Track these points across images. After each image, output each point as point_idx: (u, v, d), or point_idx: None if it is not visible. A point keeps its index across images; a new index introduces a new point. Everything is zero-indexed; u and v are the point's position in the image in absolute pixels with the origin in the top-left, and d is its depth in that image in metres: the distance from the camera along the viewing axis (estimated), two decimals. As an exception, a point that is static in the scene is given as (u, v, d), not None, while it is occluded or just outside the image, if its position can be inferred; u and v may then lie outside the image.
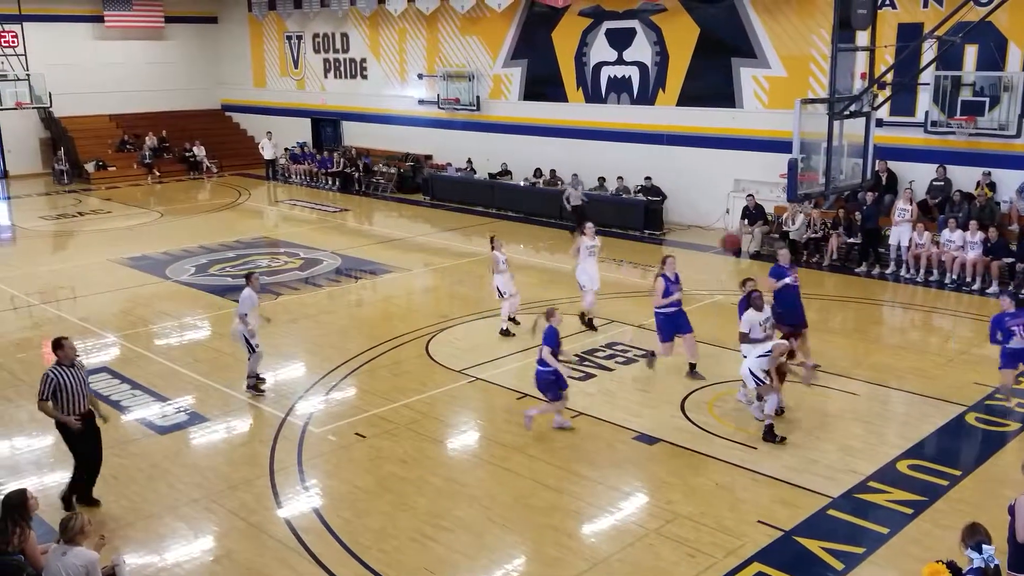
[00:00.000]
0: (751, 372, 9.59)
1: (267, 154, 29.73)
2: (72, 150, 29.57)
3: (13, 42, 28.20)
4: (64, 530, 6.13)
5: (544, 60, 24.04)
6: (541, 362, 9.62)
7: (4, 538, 6.24)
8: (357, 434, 9.87)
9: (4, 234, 23.35)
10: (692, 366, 11.33)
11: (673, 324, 11.25)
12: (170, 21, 32.46)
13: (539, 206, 22.76)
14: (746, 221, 18.88)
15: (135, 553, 7.59)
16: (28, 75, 26.95)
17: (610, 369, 11.79)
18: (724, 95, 20.63)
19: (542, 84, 24.28)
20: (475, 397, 11.05)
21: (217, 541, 7.85)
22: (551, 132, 24.07)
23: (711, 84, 20.83)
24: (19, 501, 6.42)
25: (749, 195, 19.14)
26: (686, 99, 21.41)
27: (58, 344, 8.31)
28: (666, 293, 11.09)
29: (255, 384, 11.15)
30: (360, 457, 9.39)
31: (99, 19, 30.85)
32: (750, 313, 9.75)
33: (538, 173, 24.01)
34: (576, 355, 12.20)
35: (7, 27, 27.88)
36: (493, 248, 13.16)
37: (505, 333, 13.11)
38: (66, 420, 8.18)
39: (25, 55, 27.52)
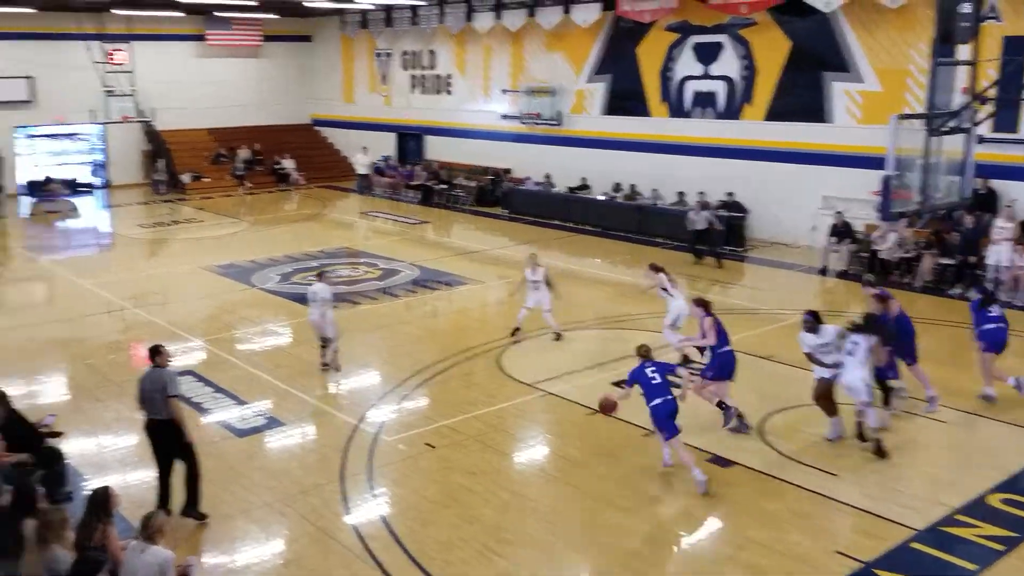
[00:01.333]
0: (862, 383, 9.30)
1: (361, 168, 30.29)
2: (170, 162, 30.77)
3: (123, 60, 29.63)
4: (143, 528, 6.26)
5: (628, 75, 23.88)
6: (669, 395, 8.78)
7: (87, 533, 6.43)
8: (427, 444, 9.88)
9: (104, 240, 24.50)
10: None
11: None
12: (267, 40, 33.55)
13: (617, 220, 22.55)
14: (834, 239, 18.29)
15: (208, 553, 7.75)
16: (134, 91, 28.29)
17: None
18: (815, 110, 20.09)
19: (625, 99, 24.11)
20: (545, 412, 10.94)
21: (287, 545, 7.95)
22: (632, 147, 23.86)
23: (801, 98, 20.31)
24: (103, 498, 6.61)
25: (837, 212, 18.54)
26: (774, 114, 20.93)
27: (158, 351, 8.41)
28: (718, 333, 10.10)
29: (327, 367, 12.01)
30: (429, 467, 9.40)
31: (201, 38, 32.11)
32: (801, 335, 9.72)
33: (617, 188, 23.82)
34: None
35: (118, 46, 29.31)
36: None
37: (514, 333, 13.48)
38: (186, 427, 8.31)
39: (133, 72, 28.90)
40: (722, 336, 10.14)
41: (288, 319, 15.12)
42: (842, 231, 18.27)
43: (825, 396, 9.67)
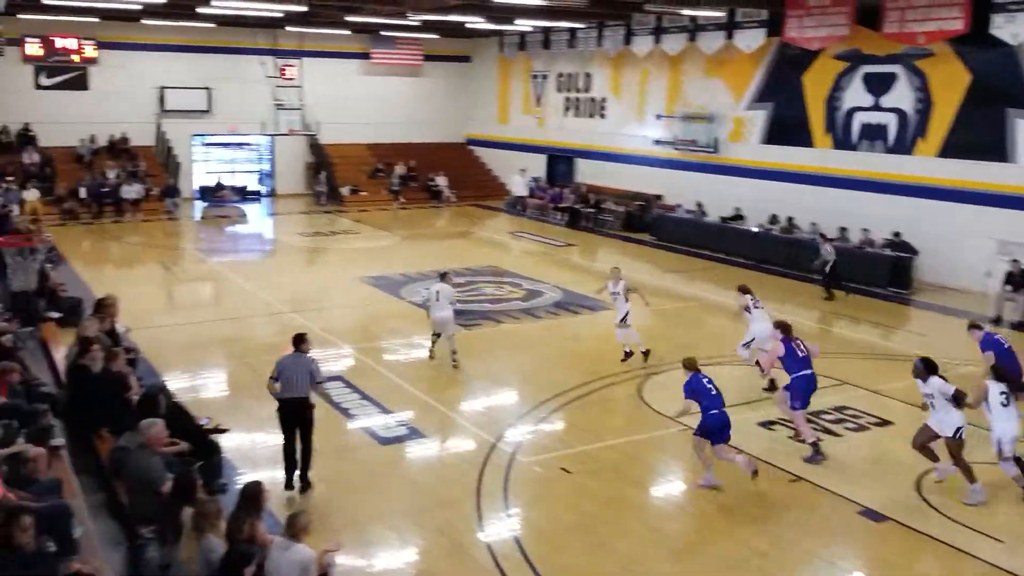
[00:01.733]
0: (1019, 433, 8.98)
1: (518, 190, 30.74)
2: (331, 175, 32.40)
3: (293, 75, 31.57)
4: (289, 526, 6.58)
5: (791, 103, 23.27)
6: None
7: (238, 526, 6.83)
8: (562, 469, 9.93)
9: (267, 246, 26.07)
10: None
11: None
12: (428, 59, 34.83)
13: (772, 254, 21.93)
14: (1010, 287, 17.08)
15: (345, 555, 8.03)
16: (302, 105, 30.01)
17: (838, 435, 11.05)
18: (995, 147, 18.90)
19: (787, 128, 23.50)
20: (684, 447, 10.72)
21: (421, 555, 8.19)
22: (792, 178, 23.20)
23: (980, 135, 19.17)
24: (255, 493, 7.03)
25: (1014, 260, 17.31)
26: (950, 150, 19.84)
27: (303, 339, 9.45)
28: (788, 357, 10.30)
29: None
30: (564, 492, 9.44)
31: (366, 56, 33.73)
32: None
33: (774, 220, 23.18)
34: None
35: (289, 61, 31.26)
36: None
37: (626, 355, 13.68)
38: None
39: (302, 87, 30.70)
40: (799, 360, 10.23)
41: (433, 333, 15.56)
42: (1019, 279, 17.04)
43: (924, 445, 9.42)
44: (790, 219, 22.75)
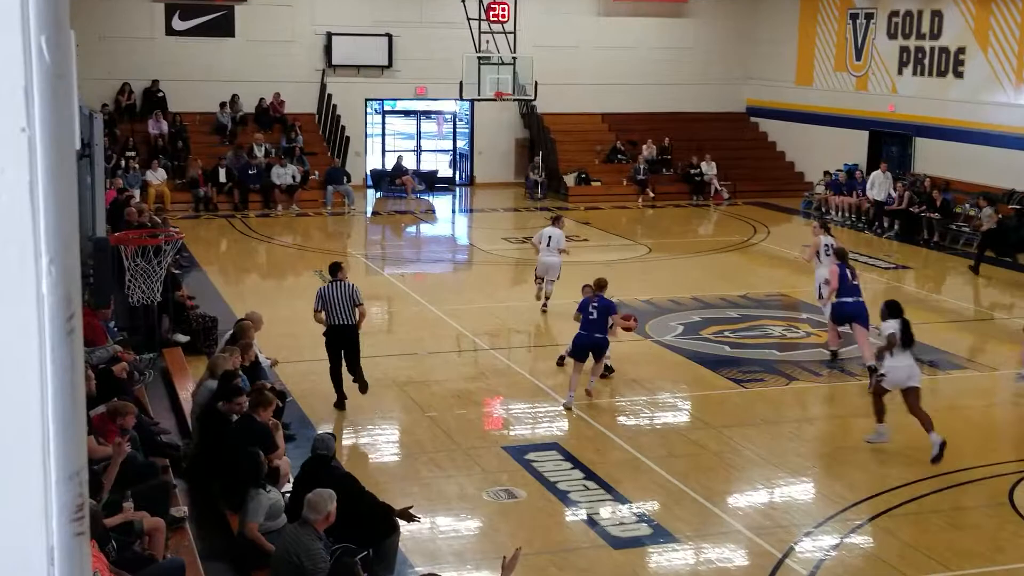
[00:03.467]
0: None
1: (878, 193, 28.64)
2: (552, 156, 33.06)
3: (503, 16, 32.36)
4: None
5: None
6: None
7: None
8: (887, 607, 9.55)
9: (460, 255, 27.02)
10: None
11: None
12: (696, -7, 34.99)
13: None
14: None
15: None
16: (514, 59, 30.68)
17: None
18: None
19: None
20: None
21: None
22: None
23: None
24: None
25: None
26: None
27: (340, 267, 14.03)
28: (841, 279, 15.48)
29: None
30: (888, 642, 9.08)
31: (607, -10, 34.33)
32: None
33: None
34: None
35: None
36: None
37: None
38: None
39: (515, 33, 31.49)
40: (848, 287, 15.43)
41: (690, 389, 15.52)
42: None
43: (878, 395, 12.90)
44: None
